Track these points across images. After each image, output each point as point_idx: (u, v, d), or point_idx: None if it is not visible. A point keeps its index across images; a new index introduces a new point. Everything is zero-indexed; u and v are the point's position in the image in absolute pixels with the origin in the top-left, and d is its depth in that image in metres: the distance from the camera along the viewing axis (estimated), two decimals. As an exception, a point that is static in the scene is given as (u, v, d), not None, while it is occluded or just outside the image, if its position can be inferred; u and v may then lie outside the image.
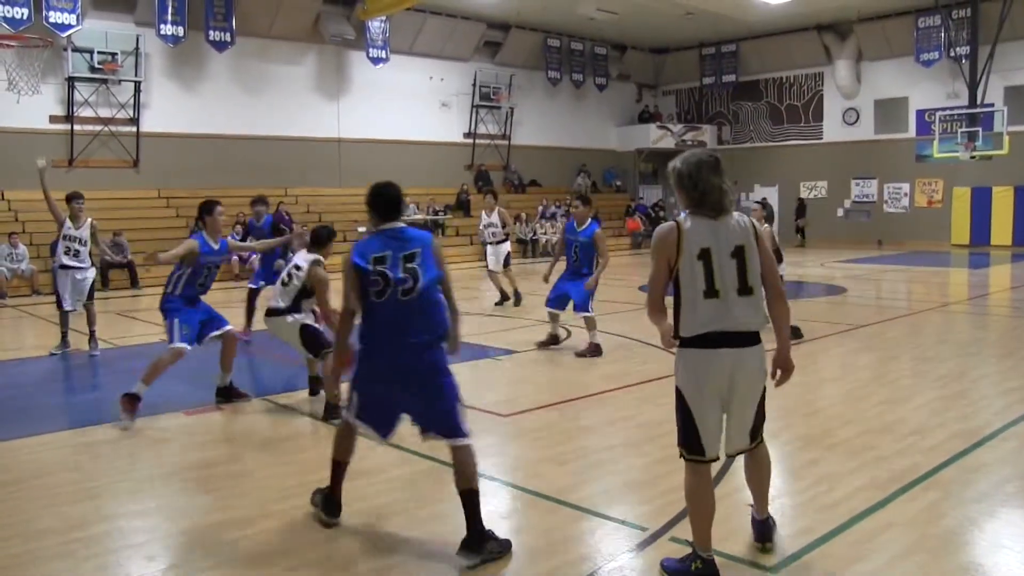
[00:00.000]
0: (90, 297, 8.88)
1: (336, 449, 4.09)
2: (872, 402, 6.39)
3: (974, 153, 20.62)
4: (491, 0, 22.19)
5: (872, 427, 5.65)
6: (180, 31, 18.45)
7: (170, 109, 19.09)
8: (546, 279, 8.94)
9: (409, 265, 3.77)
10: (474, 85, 24.58)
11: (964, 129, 20.71)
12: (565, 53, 26.76)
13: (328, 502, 4.08)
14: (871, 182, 25.81)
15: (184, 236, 15.03)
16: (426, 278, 3.78)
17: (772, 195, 27.55)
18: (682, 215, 3.42)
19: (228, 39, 19.22)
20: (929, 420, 5.80)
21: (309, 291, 6.31)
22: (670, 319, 3.41)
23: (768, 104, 28.05)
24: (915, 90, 24.44)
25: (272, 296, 6.56)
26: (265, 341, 8.61)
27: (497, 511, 4.30)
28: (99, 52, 17.69)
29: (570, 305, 8.53)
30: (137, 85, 18.40)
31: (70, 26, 16.97)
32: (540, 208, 24.09)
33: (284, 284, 6.40)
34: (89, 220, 8.86)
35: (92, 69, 17.68)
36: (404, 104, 23.03)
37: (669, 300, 3.45)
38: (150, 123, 18.83)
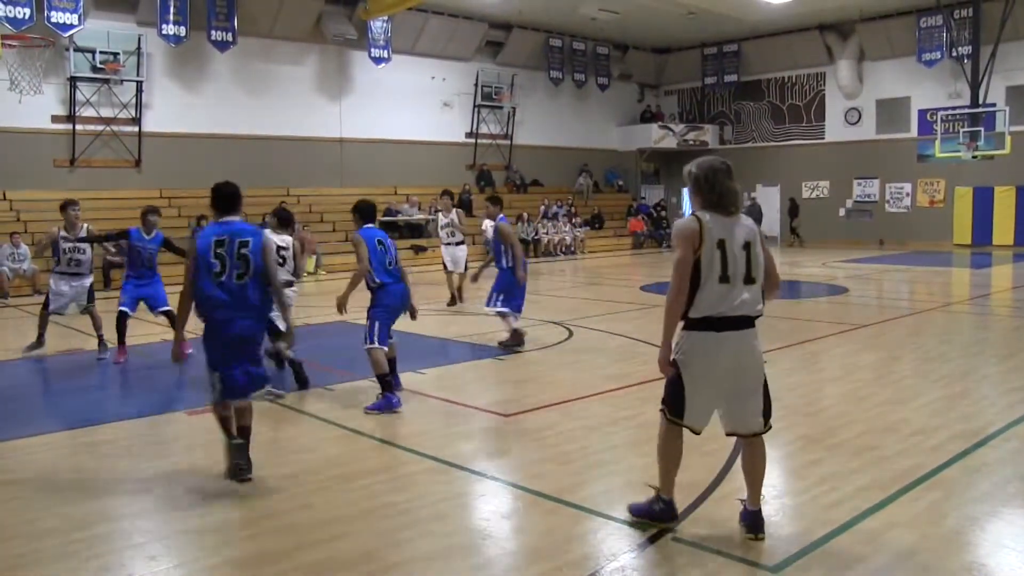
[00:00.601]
0: (91, 300, 8.80)
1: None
2: (874, 402, 6.39)
3: (976, 153, 20.60)
4: (493, 0, 22.20)
5: (874, 427, 5.65)
6: (182, 31, 18.48)
7: (172, 109, 19.11)
8: (475, 279, 9.79)
9: (243, 251, 4.61)
10: (476, 85, 24.59)
11: (966, 129, 20.69)
12: (567, 53, 26.76)
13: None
14: (873, 182, 25.79)
15: (185, 235, 15.08)
16: (255, 265, 4.62)
17: (774, 195, 27.57)
18: (686, 215, 3.62)
19: (230, 39, 19.23)
20: (931, 420, 5.79)
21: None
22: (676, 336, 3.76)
23: (770, 104, 28.02)
24: (917, 90, 24.42)
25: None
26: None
27: (499, 511, 4.30)
28: (101, 52, 17.70)
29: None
30: (139, 85, 18.42)
31: (72, 26, 17.00)
32: (542, 208, 24.08)
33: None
34: (85, 226, 8.74)
35: (94, 69, 17.70)
36: (406, 104, 23.04)
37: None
38: (152, 123, 18.85)
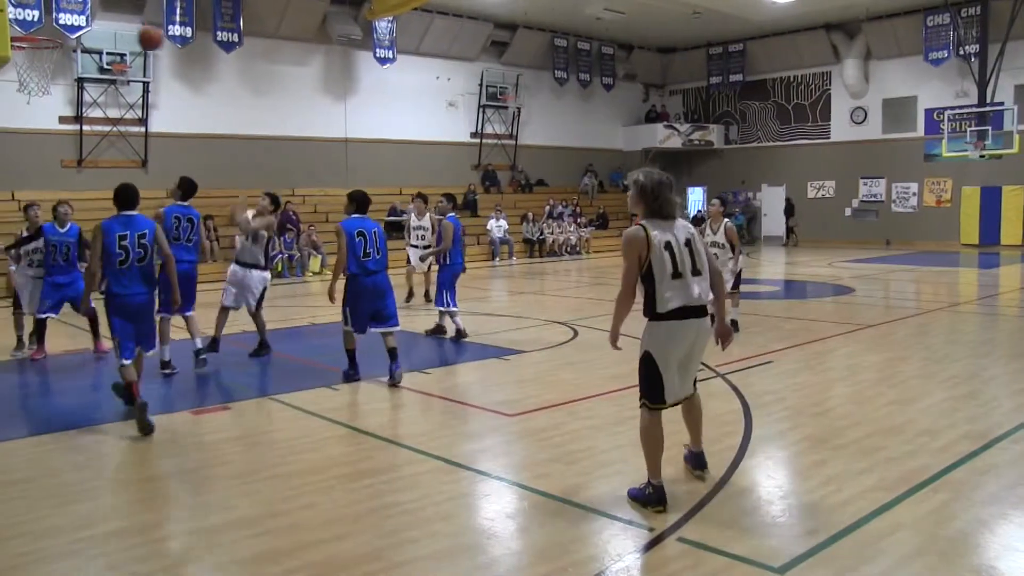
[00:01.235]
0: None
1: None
2: (881, 403, 6.36)
3: (983, 152, 20.52)
4: (498, 0, 22.19)
5: (881, 428, 5.62)
6: (188, 32, 18.53)
7: (178, 110, 19.16)
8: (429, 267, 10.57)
9: (143, 242, 5.95)
10: (481, 85, 24.59)
11: (973, 128, 20.61)
12: (572, 53, 26.74)
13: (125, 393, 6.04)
14: (879, 181, 25.70)
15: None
16: (150, 251, 6.00)
17: (779, 195, 27.53)
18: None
19: (236, 40, 19.29)
20: (939, 421, 5.76)
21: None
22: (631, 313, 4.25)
23: (775, 103, 27.96)
24: (924, 89, 24.33)
25: (242, 250, 8.24)
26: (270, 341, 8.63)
27: (504, 511, 4.29)
28: (108, 53, 17.77)
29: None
30: (146, 86, 18.48)
31: (80, 27, 17.07)
32: (547, 208, 24.07)
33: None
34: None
35: (101, 70, 17.77)
36: (411, 104, 23.06)
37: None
38: (158, 124, 18.90)
